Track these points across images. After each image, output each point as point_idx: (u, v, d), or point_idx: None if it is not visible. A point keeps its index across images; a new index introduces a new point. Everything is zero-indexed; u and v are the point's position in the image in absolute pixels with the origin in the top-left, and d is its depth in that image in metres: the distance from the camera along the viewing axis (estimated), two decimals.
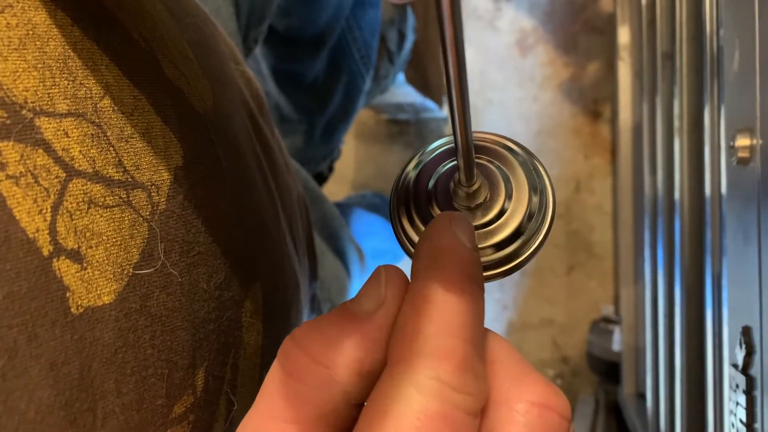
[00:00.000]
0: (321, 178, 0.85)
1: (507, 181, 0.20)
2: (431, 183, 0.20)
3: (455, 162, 0.20)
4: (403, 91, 0.91)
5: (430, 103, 0.95)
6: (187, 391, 0.21)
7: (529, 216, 0.19)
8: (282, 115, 0.69)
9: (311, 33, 0.61)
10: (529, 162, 0.20)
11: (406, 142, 1.03)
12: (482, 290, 0.17)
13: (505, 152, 0.20)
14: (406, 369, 0.15)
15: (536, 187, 0.20)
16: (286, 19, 0.56)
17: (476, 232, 0.19)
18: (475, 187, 0.19)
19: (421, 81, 0.92)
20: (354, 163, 1.03)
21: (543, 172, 0.20)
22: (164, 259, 0.20)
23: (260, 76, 0.63)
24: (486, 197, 0.19)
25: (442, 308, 0.15)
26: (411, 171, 0.21)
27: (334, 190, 0.98)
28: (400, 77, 0.90)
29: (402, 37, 0.80)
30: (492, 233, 0.19)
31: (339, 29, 0.64)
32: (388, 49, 0.78)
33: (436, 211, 0.20)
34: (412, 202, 0.20)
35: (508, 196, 0.19)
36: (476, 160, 0.19)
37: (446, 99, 0.95)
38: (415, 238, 0.20)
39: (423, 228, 0.20)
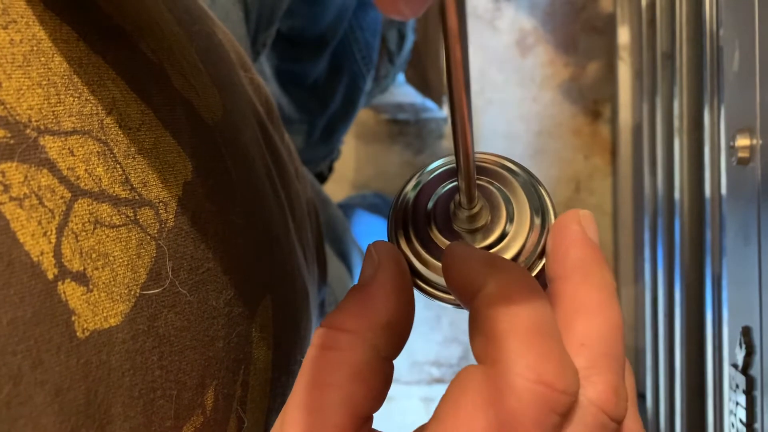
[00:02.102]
0: (321, 178, 0.84)
1: (508, 204, 0.19)
2: (430, 204, 0.20)
3: (455, 183, 0.20)
4: (403, 91, 0.90)
5: (430, 103, 0.94)
6: (197, 411, 0.20)
7: (531, 239, 0.19)
8: (283, 116, 0.69)
9: (314, 34, 0.61)
10: (530, 183, 0.20)
11: (406, 142, 1.02)
12: None
13: (506, 173, 0.20)
14: (503, 370, 0.15)
15: (538, 210, 0.19)
16: (289, 20, 0.56)
17: None
18: (476, 209, 0.19)
19: (421, 81, 0.92)
20: (354, 163, 1.03)
21: (544, 194, 0.20)
22: (172, 277, 0.19)
23: (263, 77, 0.63)
24: (487, 220, 0.19)
25: (525, 306, 0.15)
26: (410, 191, 0.20)
27: (334, 190, 0.97)
28: (400, 77, 0.89)
29: (402, 37, 0.79)
30: None
31: (342, 30, 0.63)
32: (388, 49, 0.78)
33: (435, 233, 0.19)
34: (410, 223, 0.20)
35: (510, 219, 0.19)
36: (477, 182, 0.18)
37: (446, 99, 0.94)
38: (412, 260, 0.19)
39: (421, 249, 0.19)
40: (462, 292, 0.17)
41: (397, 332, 0.17)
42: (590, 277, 0.17)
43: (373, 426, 0.18)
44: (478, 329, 0.16)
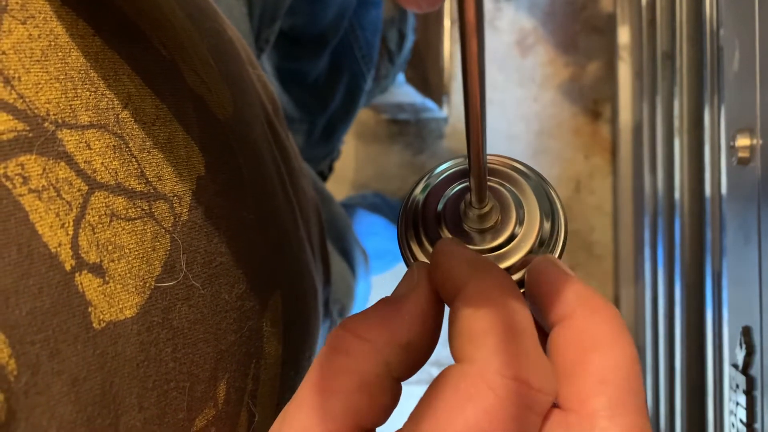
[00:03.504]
0: (321, 178, 0.85)
1: (519, 206, 0.19)
2: (440, 205, 0.20)
3: (464, 184, 0.20)
4: (403, 91, 0.91)
5: (430, 103, 0.95)
6: (209, 404, 0.20)
7: (540, 242, 0.19)
8: (284, 115, 0.69)
9: (315, 32, 0.61)
10: (541, 187, 0.20)
11: (406, 142, 1.02)
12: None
13: (517, 176, 0.20)
14: (480, 367, 0.15)
15: (548, 213, 0.19)
16: (290, 18, 0.56)
17: (486, 255, 0.19)
18: (487, 209, 0.19)
19: (421, 81, 0.92)
20: (354, 163, 1.03)
21: (555, 198, 0.20)
22: (186, 270, 0.20)
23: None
24: (497, 221, 0.19)
25: (504, 307, 0.16)
26: (419, 194, 0.20)
27: (334, 190, 0.97)
28: (400, 77, 0.89)
29: (402, 36, 0.80)
30: (501, 258, 0.19)
31: (342, 28, 0.64)
32: (389, 49, 0.78)
33: (446, 233, 0.19)
34: (420, 225, 0.20)
35: (519, 221, 0.19)
36: (488, 183, 0.19)
37: (446, 99, 0.94)
38: (423, 260, 0.19)
39: (431, 250, 0.19)
40: (444, 290, 0.17)
41: (414, 356, 0.17)
42: (597, 310, 0.16)
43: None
44: (456, 328, 0.16)
